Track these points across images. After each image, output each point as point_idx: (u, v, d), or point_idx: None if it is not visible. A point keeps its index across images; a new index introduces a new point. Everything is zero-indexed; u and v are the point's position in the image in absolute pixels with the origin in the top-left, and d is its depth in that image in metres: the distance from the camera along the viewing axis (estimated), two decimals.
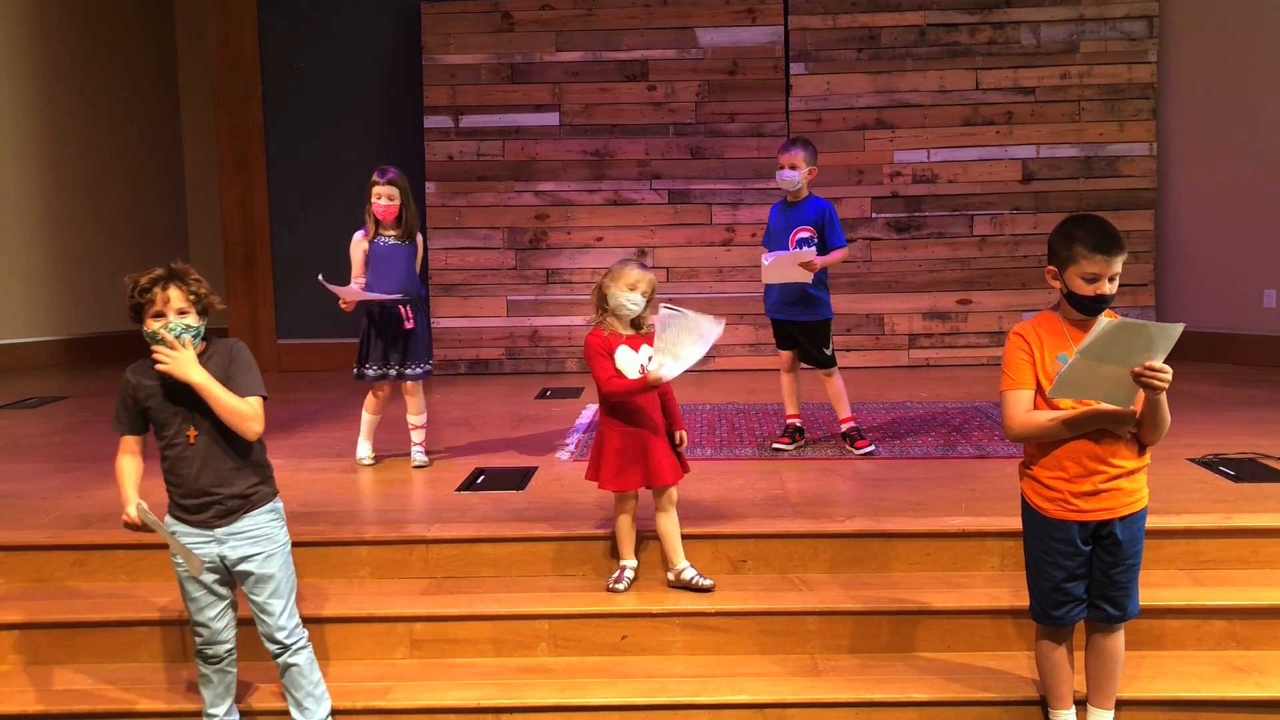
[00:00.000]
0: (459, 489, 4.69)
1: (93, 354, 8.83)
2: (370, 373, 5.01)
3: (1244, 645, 3.65)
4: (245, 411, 3.08)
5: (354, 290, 4.90)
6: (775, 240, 5.21)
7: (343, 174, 8.29)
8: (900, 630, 3.70)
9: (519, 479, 4.82)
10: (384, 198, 4.91)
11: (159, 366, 3.02)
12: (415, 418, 5.14)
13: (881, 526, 4.03)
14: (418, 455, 5.14)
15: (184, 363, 3.02)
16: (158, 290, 3.03)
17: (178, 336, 3.03)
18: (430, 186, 8.17)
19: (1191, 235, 7.89)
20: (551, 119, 8.17)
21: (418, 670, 3.67)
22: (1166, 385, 2.80)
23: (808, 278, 5.04)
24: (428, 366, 5.12)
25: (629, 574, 3.88)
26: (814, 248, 5.06)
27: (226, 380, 3.08)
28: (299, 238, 8.41)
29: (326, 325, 8.10)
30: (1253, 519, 3.97)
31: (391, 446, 5.36)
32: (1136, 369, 2.78)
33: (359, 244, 4.99)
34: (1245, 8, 7.54)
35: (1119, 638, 3.15)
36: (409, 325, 4.98)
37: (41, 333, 8.65)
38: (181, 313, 3.04)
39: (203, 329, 3.10)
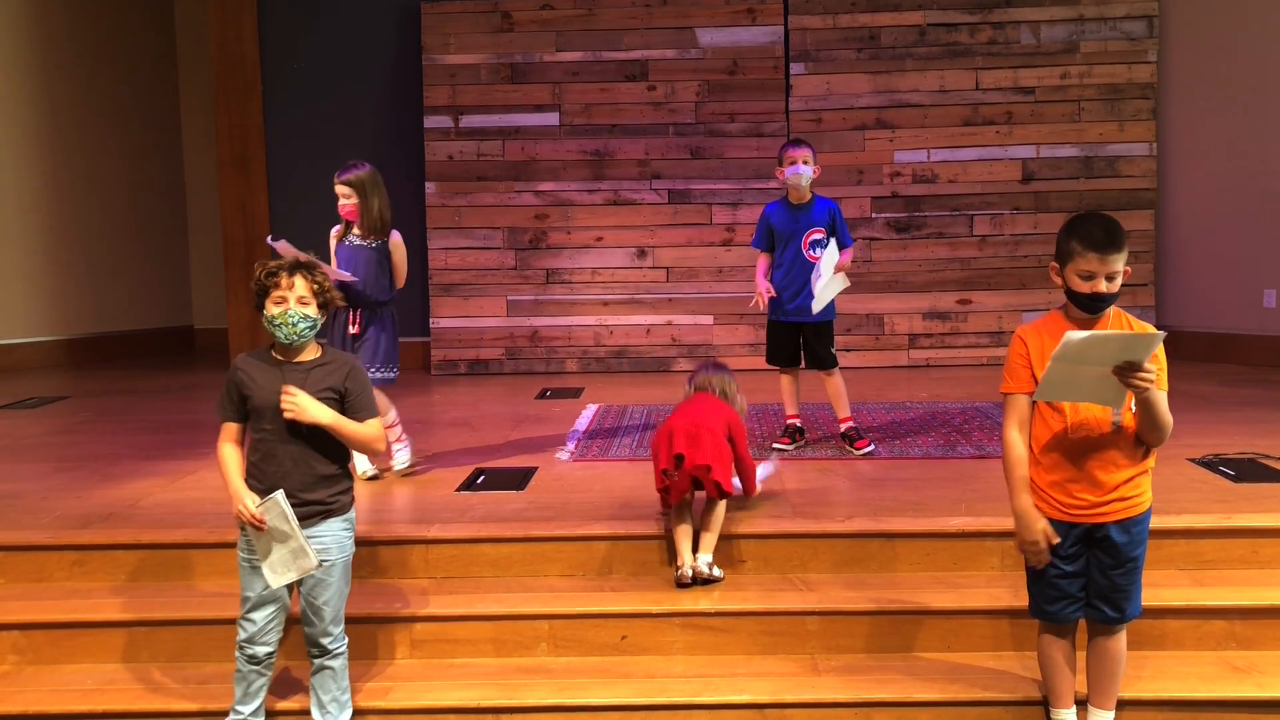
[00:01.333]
0: (459, 489, 4.69)
1: (93, 354, 8.83)
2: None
3: (1244, 645, 3.65)
4: (372, 435, 3.24)
5: (288, 247, 4.32)
6: (785, 243, 5.19)
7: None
8: (900, 630, 3.70)
9: (519, 479, 4.81)
10: (340, 197, 4.72)
11: (286, 414, 3.07)
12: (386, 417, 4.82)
13: (881, 526, 4.03)
14: (398, 456, 4.92)
15: (307, 406, 3.09)
16: (284, 275, 3.13)
17: (294, 325, 3.10)
18: (430, 186, 8.17)
19: (1191, 235, 7.89)
20: (551, 119, 8.17)
21: (418, 670, 3.68)
22: (1148, 386, 2.78)
23: (848, 282, 5.08)
24: (383, 374, 4.75)
25: None
26: (826, 249, 5.11)
27: (345, 395, 3.18)
28: (299, 238, 8.37)
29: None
30: (1253, 519, 3.98)
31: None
32: (1119, 366, 2.77)
33: (332, 239, 4.85)
34: (1245, 8, 7.54)
35: (1120, 639, 3.15)
36: (353, 330, 4.73)
37: (41, 333, 8.64)
38: (302, 302, 3.13)
39: (320, 323, 3.19)
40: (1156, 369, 2.80)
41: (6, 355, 8.38)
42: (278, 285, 3.12)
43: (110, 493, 4.72)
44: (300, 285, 3.13)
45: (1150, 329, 2.95)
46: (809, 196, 5.17)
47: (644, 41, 8.12)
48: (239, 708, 3.29)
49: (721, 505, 3.96)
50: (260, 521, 3.08)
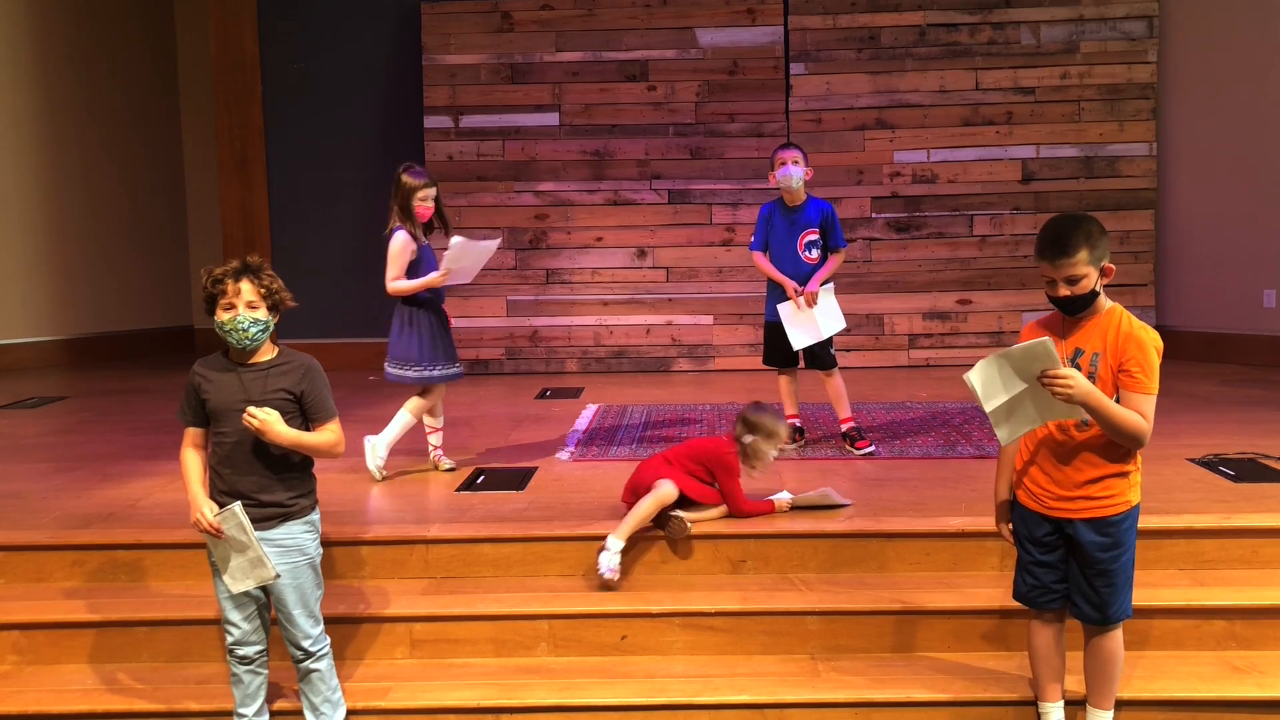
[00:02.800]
0: (459, 489, 4.69)
1: (93, 354, 8.83)
2: (442, 372, 4.84)
3: (1244, 645, 3.66)
4: (330, 442, 3.20)
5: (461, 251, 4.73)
6: (781, 245, 5.20)
7: (343, 174, 8.30)
8: (900, 630, 3.70)
9: (519, 479, 4.82)
10: (425, 199, 4.83)
11: (253, 428, 3.05)
12: (439, 419, 5.06)
13: (881, 526, 4.03)
14: (446, 459, 5.04)
15: (271, 427, 3.06)
16: (230, 282, 3.09)
17: (245, 330, 3.07)
18: None
19: (1191, 235, 7.88)
20: (551, 119, 8.17)
21: (418, 670, 3.68)
22: (1065, 390, 2.77)
23: (831, 289, 5.17)
24: (457, 369, 5.00)
25: None
26: (820, 251, 5.18)
27: (302, 397, 3.16)
28: (299, 238, 8.41)
29: (326, 325, 8.10)
30: (1253, 519, 3.98)
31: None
32: (1039, 378, 2.79)
33: (408, 247, 4.73)
34: (1245, 7, 7.54)
35: (1111, 639, 3.13)
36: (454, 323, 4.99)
37: (41, 333, 8.64)
38: (251, 306, 3.09)
39: (272, 324, 3.15)
40: (1067, 375, 2.77)
41: (6, 355, 8.38)
42: (224, 292, 3.08)
43: (110, 493, 4.72)
44: (247, 290, 3.08)
45: (1147, 330, 2.95)
46: (803, 198, 5.18)
47: (644, 41, 8.12)
48: (241, 710, 3.29)
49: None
50: (217, 530, 3.08)
